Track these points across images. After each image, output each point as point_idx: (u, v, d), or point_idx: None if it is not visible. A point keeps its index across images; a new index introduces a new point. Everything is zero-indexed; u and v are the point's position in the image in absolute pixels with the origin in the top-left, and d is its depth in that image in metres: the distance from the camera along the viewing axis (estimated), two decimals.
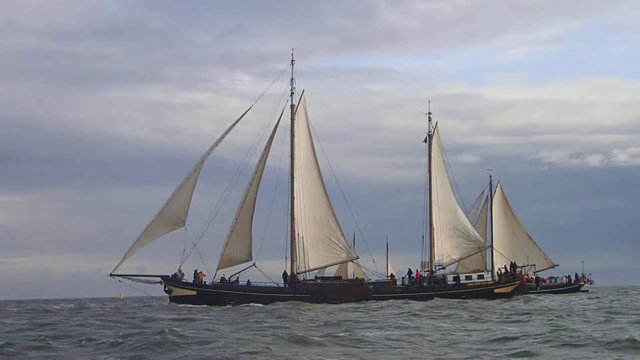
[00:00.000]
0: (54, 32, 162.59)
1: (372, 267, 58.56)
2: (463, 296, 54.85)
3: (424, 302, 47.49)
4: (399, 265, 62.50)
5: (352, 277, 58.90)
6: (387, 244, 59.72)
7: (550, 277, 74.21)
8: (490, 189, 73.71)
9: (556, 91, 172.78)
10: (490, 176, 74.62)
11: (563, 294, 63.86)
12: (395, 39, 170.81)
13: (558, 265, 73.01)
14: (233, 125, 55.99)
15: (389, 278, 58.90)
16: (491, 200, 73.28)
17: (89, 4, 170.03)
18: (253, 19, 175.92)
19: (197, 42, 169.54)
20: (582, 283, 75.03)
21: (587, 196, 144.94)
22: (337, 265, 58.13)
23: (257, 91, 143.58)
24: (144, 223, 53.02)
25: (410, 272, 58.44)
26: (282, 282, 55.30)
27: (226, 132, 55.77)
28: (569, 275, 75.22)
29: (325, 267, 57.12)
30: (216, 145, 55.55)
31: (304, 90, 57.70)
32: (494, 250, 67.57)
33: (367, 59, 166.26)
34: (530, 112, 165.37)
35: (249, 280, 55.26)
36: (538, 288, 68.10)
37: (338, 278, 57.18)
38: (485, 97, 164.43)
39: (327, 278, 57.02)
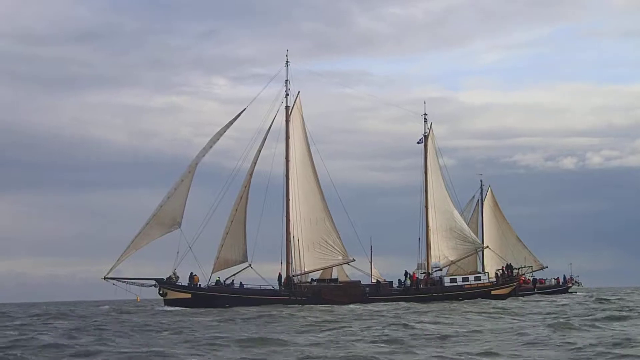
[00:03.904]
0: (26, 36, 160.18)
1: (367, 269, 58.66)
2: (460, 298, 54.78)
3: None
4: (383, 268, 62.08)
5: (335, 279, 58.34)
6: (371, 247, 59.18)
7: (539, 279, 74.72)
8: (481, 193, 74.26)
9: (529, 95, 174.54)
10: (481, 180, 75.32)
11: (553, 296, 64.38)
12: (369, 43, 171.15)
13: (547, 267, 73.75)
14: (226, 127, 55.51)
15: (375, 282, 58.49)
16: (482, 204, 73.68)
17: (61, 8, 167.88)
18: (227, 23, 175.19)
19: (171, 46, 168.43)
20: (570, 285, 75.80)
21: (565, 198, 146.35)
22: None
23: (233, 95, 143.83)
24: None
25: (406, 273, 58.18)
26: (277, 284, 54.88)
27: (220, 134, 55.30)
28: (557, 277, 75.98)
29: (321, 269, 56.66)
30: (210, 147, 55.08)
31: (299, 92, 57.26)
32: (490, 252, 67.47)
33: (342, 62, 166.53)
34: (504, 116, 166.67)
35: (241, 283, 54.71)
36: (535, 289, 68.47)
37: (334, 280, 56.81)
38: (459, 100, 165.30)
39: (324, 280, 56.59)
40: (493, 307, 41.83)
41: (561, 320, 28.65)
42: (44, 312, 50.43)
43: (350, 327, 27.74)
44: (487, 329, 25.47)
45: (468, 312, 37.43)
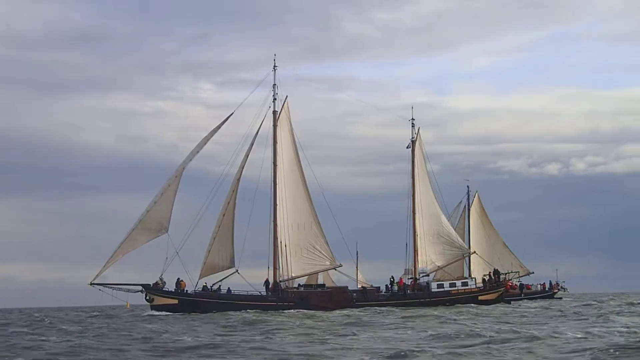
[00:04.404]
0: (18, 40, 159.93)
1: (353, 275, 58.68)
2: (447, 303, 54.81)
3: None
4: (369, 274, 62.05)
5: (322, 284, 58.25)
6: (357, 252, 59.07)
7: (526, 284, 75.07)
8: (468, 199, 74.60)
9: (517, 100, 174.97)
10: (467, 186, 75.67)
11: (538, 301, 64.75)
12: (357, 48, 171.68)
13: (533, 272, 74.06)
14: (214, 132, 55.30)
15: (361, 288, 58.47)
16: (469, 209, 73.88)
17: (53, 12, 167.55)
18: (217, 27, 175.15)
19: (161, 51, 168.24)
20: (556, 290, 76.19)
21: (549, 204, 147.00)
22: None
23: (219, 100, 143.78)
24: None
25: (392, 279, 58.17)
26: (264, 290, 54.73)
27: (207, 139, 55.11)
28: (543, 283, 76.39)
29: (309, 274, 56.58)
30: (197, 152, 54.87)
31: (287, 97, 57.20)
32: (476, 257, 67.54)
33: (330, 67, 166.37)
34: (489, 121, 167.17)
35: (229, 288, 54.56)
36: (522, 295, 68.75)
37: (321, 286, 56.71)
38: (445, 106, 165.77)
39: (310, 285, 56.49)
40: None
41: None
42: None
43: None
44: None
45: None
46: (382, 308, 50.66)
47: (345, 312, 46.91)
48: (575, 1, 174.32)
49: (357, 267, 59.74)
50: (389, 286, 57.72)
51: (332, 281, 59.33)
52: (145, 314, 50.86)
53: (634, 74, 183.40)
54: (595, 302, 54.82)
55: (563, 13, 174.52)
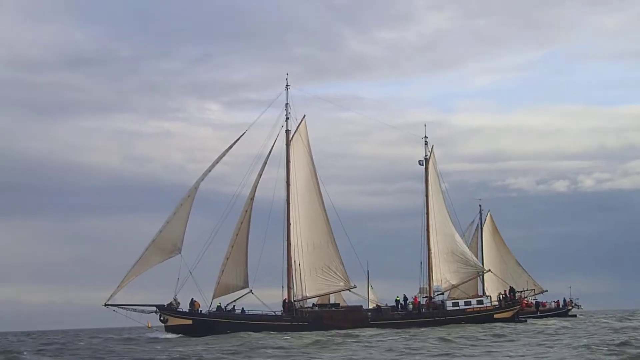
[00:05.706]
0: (21, 62, 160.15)
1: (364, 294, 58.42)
2: (463, 322, 54.52)
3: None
4: (378, 293, 61.64)
5: (336, 303, 57.92)
6: (368, 271, 58.74)
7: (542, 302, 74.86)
8: (481, 218, 74.47)
9: (521, 118, 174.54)
10: (480, 205, 75.69)
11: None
12: (362, 67, 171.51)
13: (547, 290, 73.86)
14: (226, 151, 55.15)
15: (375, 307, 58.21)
16: (481, 228, 73.79)
17: (56, 34, 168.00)
18: (220, 48, 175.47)
19: (165, 72, 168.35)
20: (570, 308, 75.90)
21: (557, 222, 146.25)
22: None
23: (226, 120, 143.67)
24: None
25: (405, 298, 57.86)
26: (282, 309, 54.50)
27: (219, 158, 54.96)
28: (557, 300, 76.13)
29: (323, 295, 56.24)
30: (209, 171, 54.75)
31: (304, 116, 57.12)
32: (490, 276, 67.22)
33: (335, 87, 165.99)
34: (496, 139, 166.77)
35: (243, 308, 54.33)
36: (538, 312, 68.45)
37: (336, 305, 56.44)
38: (451, 124, 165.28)
39: (325, 305, 56.20)
40: None
41: None
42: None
43: None
44: None
45: None
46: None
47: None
48: (576, 20, 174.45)
49: (368, 286, 59.43)
50: (403, 305, 57.24)
51: (344, 300, 59.04)
52: (151, 335, 50.72)
53: (637, 91, 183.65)
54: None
55: (564, 31, 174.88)
